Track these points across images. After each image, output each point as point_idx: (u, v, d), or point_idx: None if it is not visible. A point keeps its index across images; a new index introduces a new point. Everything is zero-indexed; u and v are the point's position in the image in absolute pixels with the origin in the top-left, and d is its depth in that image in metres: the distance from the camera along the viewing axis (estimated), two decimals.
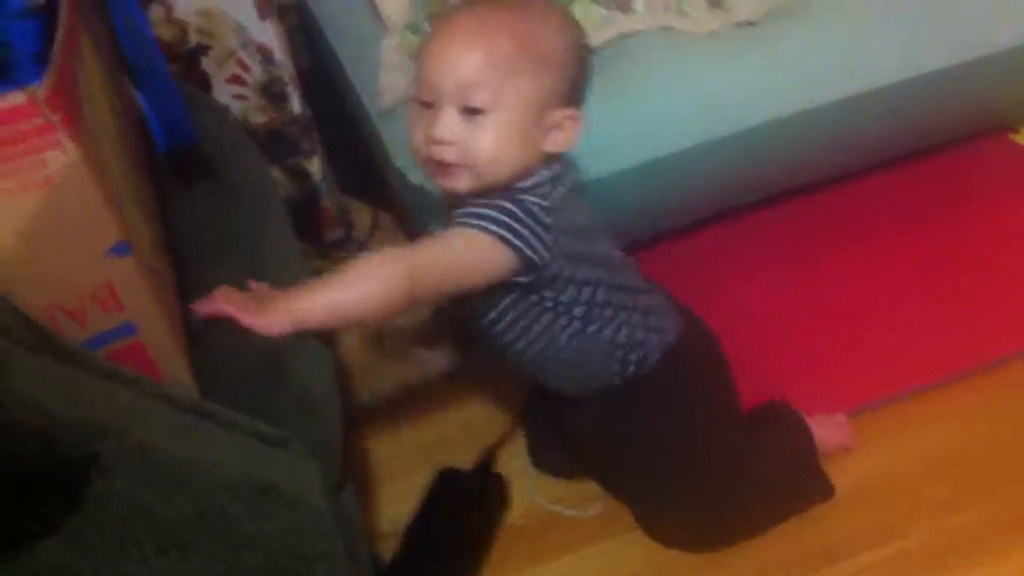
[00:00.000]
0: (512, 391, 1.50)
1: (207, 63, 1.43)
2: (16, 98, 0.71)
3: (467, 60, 1.05)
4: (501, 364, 1.25)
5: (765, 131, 1.49)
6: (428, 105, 1.07)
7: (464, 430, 1.48)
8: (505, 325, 1.17)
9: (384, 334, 1.59)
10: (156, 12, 1.37)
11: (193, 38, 1.40)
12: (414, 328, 1.61)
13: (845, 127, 1.56)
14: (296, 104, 1.51)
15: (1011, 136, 1.89)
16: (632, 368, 1.22)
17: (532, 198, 1.08)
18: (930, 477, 1.38)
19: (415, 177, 1.38)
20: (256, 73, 1.45)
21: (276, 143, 1.50)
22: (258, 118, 1.48)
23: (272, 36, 1.43)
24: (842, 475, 1.36)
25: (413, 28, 1.49)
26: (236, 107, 1.47)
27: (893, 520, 1.33)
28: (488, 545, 1.35)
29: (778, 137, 1.52)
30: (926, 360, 1.50)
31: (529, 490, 1.41)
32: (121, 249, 0.80)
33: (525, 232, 1.06)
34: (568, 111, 1.10)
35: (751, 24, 1.52)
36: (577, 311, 1.16)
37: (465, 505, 1.37)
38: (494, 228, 1.05)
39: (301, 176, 1.55)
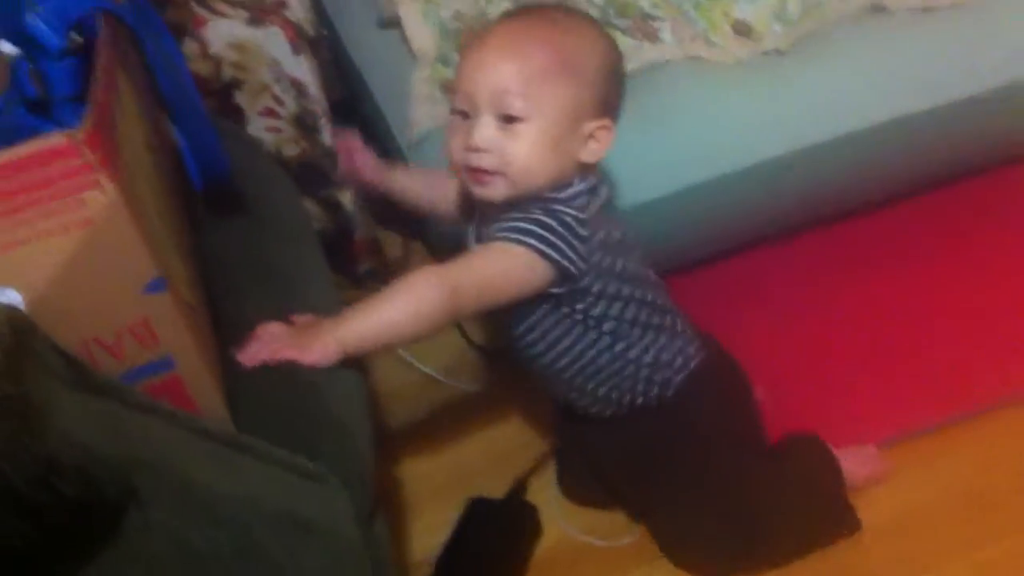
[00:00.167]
0: (544, 420, 1.50)
1: (241, 97, 1.44)
2: (56, 139, 0.72)
3: (503, 68, 1.07)
4: (528, 377, 1.25)
5: (792, 160, 1.49)
6: (465, 116, 1.09)
7: (495, 459, 1.48)
8: (535, 337, 1.18)
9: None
10: (191, 47, 1.39)
11: (227, 72, 1.42)
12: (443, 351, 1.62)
13: (873, 155, 1.56)
14: (328, 136, 1.52)
15: None
16: (656, 389, 1.23)
17: (568, 210, 1.09)
18: (961, 510, 1.37)
19: None
20: (289, 106, 1.46)
21: (309, 175, 1.52)
22: (291, 150, 1.50)
23: (305, 70, 1.45)
24: (872, 507, 1.35)
25: (443, 60, 1.51)
26: (269, 140, 1.48)
27: (923, 554, 1.32)
28: (520, 575, 1.35)
29: (805, 166, 1.51)
30: (957, 392, 1.49)
31: (560, 520, 1.41)
32: (158, 286, 0.81)
33: (562, 244, 1.07)
34: (602, 121, 1.11)
35: (779, 53, 1.52)
36: (607, 326, 1.17)
37: (497, 535, 1.37)
38: (531, 241, 1.06)
39: (334, 207, 1.56)
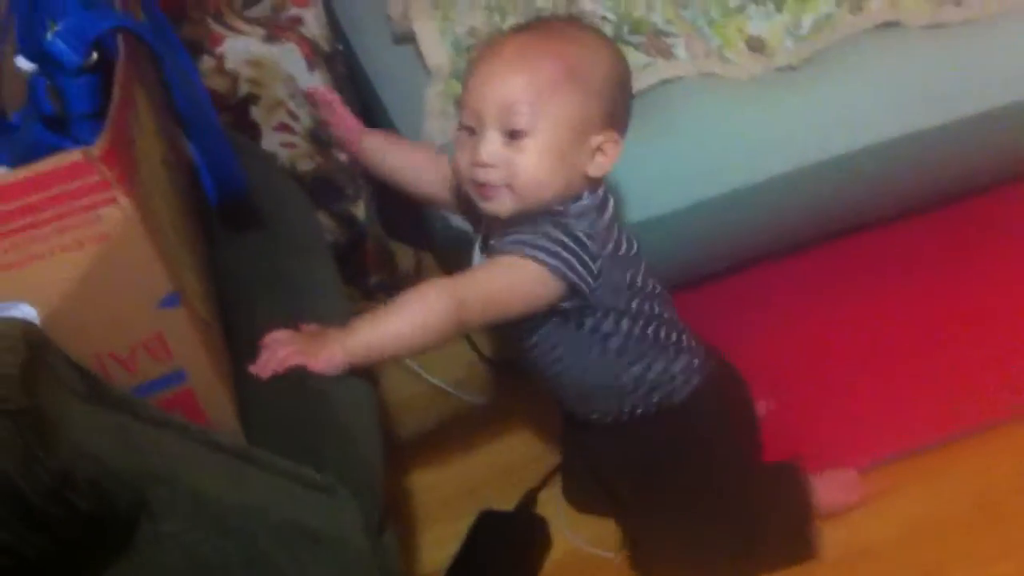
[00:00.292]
0: (553, 433, 1.50)
1: (256, 112, 1.45)
2: (73, 156, 0.73)
3: (509, 83, 1.07)
4: (537, 390, 1.26)
5: (804, 176, 1.50)
6: (472, 131, 1.10)
7: (504, 471, 1.49)
8: (544, 349, 1.19)
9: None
10: (208, 63, 1.40)
11: (243, 88, 1.43)
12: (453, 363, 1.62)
13: (884, 171, 1.56)
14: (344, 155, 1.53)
15: None
16: (658, 398, 1.24)
17: (577, 224, 1.09)
18: (970, 524, 1.36)
19: (456, 220, 1.40)
20: (304, 121, 1.47)
21: (323, 189, 1.53)
22: (305, 165, 1.51)
23: (320, 85, 1.46)
24: (880, 521, 1.36)
25: (457, 76, 1.52)
26: (284, 154, 1.50)
27: (933, 566, 1.32)
28: None
29: (817, 181, 1.52)
30: (964, 406, 1.48)
31: (569, 532, 1.41)
32: (172, 301, 0.81)
33: (572, 259, 1.08)
34: (610, 134, 1.11)
35: (792, 69, 1.53)
36: (614, 342, 1.18)
37: (506, 547, 1.38)
38: (540, 255, 1.06)
39: (347, 221, 1.57)
